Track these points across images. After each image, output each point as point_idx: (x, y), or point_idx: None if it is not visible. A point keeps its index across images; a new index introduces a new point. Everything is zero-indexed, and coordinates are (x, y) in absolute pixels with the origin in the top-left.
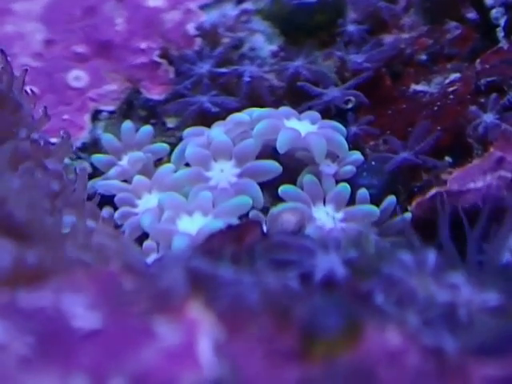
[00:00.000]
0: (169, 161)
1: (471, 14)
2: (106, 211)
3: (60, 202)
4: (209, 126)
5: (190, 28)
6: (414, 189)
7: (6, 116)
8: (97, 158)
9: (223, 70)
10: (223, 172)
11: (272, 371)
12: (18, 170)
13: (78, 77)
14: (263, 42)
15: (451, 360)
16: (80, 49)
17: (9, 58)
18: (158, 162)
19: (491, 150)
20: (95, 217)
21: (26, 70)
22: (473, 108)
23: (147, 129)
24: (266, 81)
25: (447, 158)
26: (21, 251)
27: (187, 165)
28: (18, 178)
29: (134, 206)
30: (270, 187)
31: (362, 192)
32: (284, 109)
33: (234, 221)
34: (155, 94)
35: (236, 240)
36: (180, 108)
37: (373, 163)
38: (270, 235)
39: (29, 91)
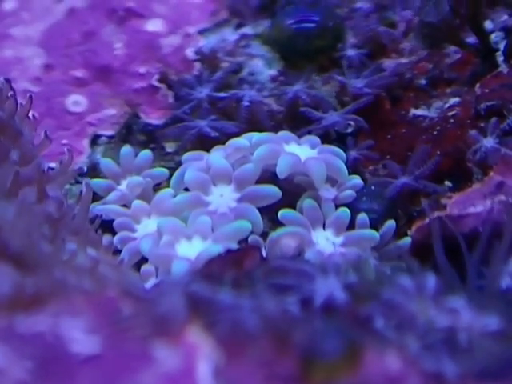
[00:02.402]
0: (168, 185)
1: (471, 39)
2: (106, 238)
3: (60, 229)
4: (208, 150)
5: (189, 52)
6: (413, 213)
7: (6, 144)
8: (95, 182)
9: (222, 94)
10: (223, 197)
11: None
12: (18, 196)
13: (76, 101)
14: (262, 66)
15: None
16: (79, 73)
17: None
18: (157, 186)
19: (491, 174)
20: (95, 243)
21: (31, 97)
22: (472, 132)
23: (146, 153)
24: (266, 105)
25: (447, 183)
26: (19, 277)
27: (186, 189)
28: (14, 205)
29: (132, 230)
30: (269, 212)
31: (362, 217)
32: (283, 133)
33: (234, 245)
34: (154, 118)
35: (235, 265)
36: (179, 132)
37: (372, 188)
38: (269, 260)
39: (30, 116)
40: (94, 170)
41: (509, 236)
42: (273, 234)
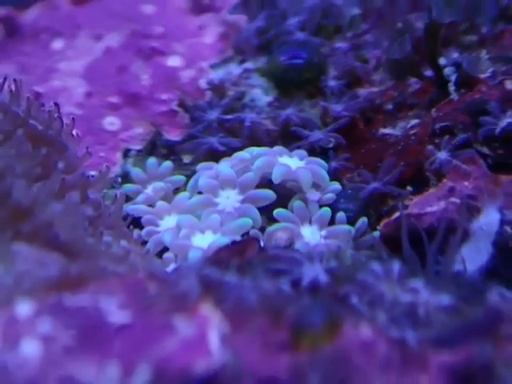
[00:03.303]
0: (185, 189)
1: (428, 72)
2: (135, 232)
3: (99, 224)
4: (217, 161)
5: (202, 83)
6: (382, 212)
7: (55, 156)
8: (127, 187)
9: (229, 116)
10: (229, 198)
11: (267, 359)
12: (65, 198)
13: (111, 122)
14: (261, 94)
15: (412, 349)
16: (113, 99)
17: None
18: (176, 190)
19: (444, 181)
20: (127, 236)
21: (73, 119)
22: (429, 147)
23: (167, 164)
24: (263, 125)
25: (409, 188)
26: (67, 263)
27: (200, 193)
28: (62, 206)
29: (156, 225)
30: (266, 211)
31: (341, 215)
32: (278, 148)
33: (238, 238)
34: (174, 136)
35: (239, 253)
36: (194, 147)
37: (349, 191)
38: (266, 249)
39: (74, 134)
40: (125, 177)
41: (460, 231)
42: (269, 229)
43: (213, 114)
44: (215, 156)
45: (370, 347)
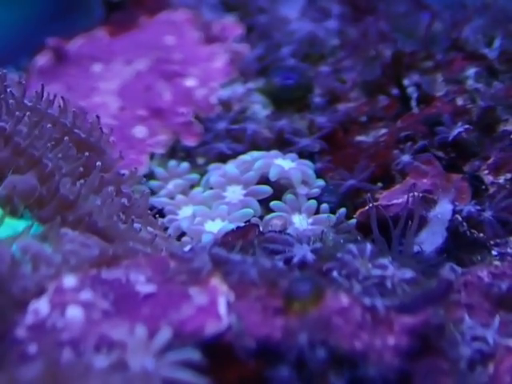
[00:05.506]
0: (199, 185)
1: (394, 91)
2: (159, 220)
3: (130, 214)
4: (225, 162)
5: (213, 99)
6: (357, 204)
7: (95, 158)
8: (152, 183)
9: (234, 126)
10: (234, 193)
11: (265, 321)
12: (103, 192)
13: (140, 131)
14: (260, 108)
15: (381, 314)
16: (141, 112)
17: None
18: (192, 186)
19: (407, 178)
20: (152, 223)
21: (112, 129)
22: (395, 151)
23: (185, 165)
24: (262, 134)
25: (379, 184)
26: (104, 244)
27: (211, 188)
28: (100, 198)
29: (176, 214)
30: (264, 202)
31: (324, 206)
32: (274, 152)
33: (241, 224)
34: (190, 142)
35: (242, 236)
36: (206, 151)
37: (331, 187)
38: (264, 233)
39: (110, 141)
40: (151, 175)
41: (417, 219)
42: (267, 217)
43: (221, 125)
44: (223, 158)
45: (347, 312)
